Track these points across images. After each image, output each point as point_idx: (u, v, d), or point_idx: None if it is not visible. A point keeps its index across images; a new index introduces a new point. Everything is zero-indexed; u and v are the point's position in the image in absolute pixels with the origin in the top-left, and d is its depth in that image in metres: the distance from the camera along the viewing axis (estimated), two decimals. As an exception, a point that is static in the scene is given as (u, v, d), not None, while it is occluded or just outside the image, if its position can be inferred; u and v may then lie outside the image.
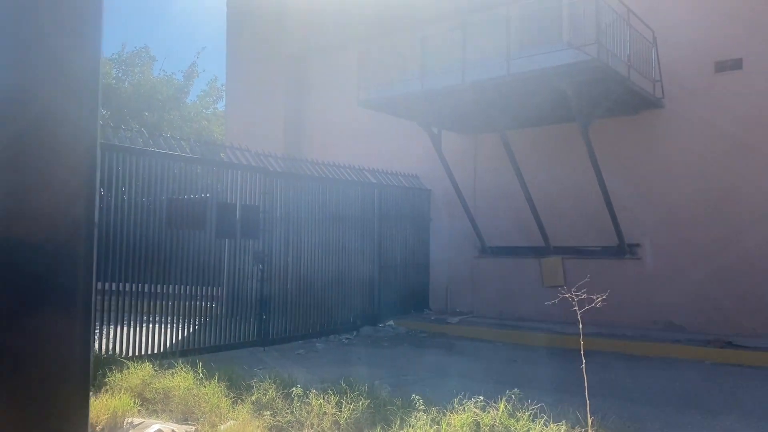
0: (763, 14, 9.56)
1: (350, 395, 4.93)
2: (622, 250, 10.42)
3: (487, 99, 9.78)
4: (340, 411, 4.73)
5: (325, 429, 4.63)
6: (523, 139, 11.18)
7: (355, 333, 10.66)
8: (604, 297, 4.15)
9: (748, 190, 9.51)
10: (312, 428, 4.67)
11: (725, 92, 9.78)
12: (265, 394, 5.19)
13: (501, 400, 4.56)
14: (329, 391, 5.07)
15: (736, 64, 9.72)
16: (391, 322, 11.36)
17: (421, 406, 4.65)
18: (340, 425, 4.65)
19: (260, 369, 7.15)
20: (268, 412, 4.83)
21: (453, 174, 11.37)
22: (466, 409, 4.49)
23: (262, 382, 5.48)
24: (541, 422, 4.26)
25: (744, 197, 9.54)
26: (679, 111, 10.17)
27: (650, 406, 5.93)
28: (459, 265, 12.49)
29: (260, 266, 9.29)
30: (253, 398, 5.15)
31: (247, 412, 4.86)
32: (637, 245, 10.40)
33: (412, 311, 12.25)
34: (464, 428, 4.27)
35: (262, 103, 15.69)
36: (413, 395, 4.90)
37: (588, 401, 3.97)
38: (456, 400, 4.70)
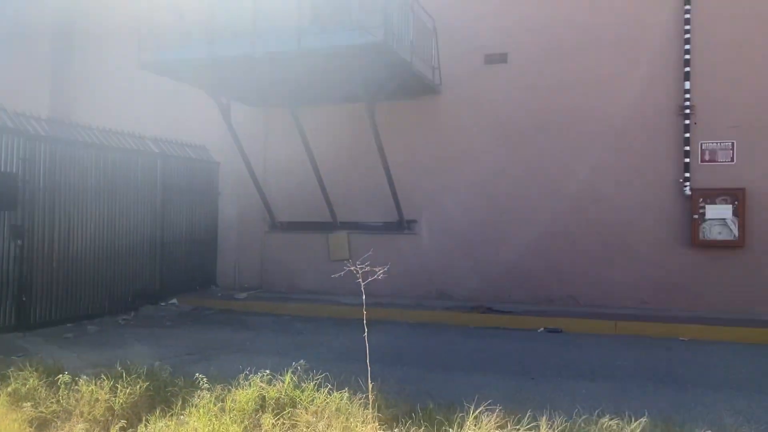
0: (526, 13, 10.71)
1: (127, 379, 4.63)
2: (401, 225, 11.14)
3: (278, 72, 9.67)
4: (115, 396, 4.43)
5: (98, 417, 4.30)
6: (314, 116, 11.31)
7: (133, 313, 10.00)
8: (385, 269, 4.40)
9: (514, 172, 10.69)
10: (82, 417, 4.30)
11: (493, 83, 10.86)
12: (24, 384, 4.67)
13: (287, 372, 4.64)
14: (102, 375, 4.70)
15: (502, 58, 10.83)
16: (174, 301, 10.86)
17: (205, 385, 4.54)
18: (114, 411, 4.34)
19: (19, 356, 6.38)
20: (29, 403, 4.35)
21: (243, 147, 11.10)
22: (251, 384, 4.49)
23: (22, 370, 4.93)
24: (325, 391, 4.42)
25: (509, 178, 10.71)
26: (455, 97, 11.07)
27: (423, 369, 6.48)
28: (248, 241, 12.34)
29: (19, 242, 8.23)
30: (9, 389, 4.59)
31: (1, 404, 4.32)
32: (415, 221, 11.20)
33: (198, 288, 11.83)
34: (250, 403, 4.26)
35: (23, 56, 13.77)
36: (197, 374, 4.76)
37: (369, 367, 4.20)
38: (242, 375, 4.67)
